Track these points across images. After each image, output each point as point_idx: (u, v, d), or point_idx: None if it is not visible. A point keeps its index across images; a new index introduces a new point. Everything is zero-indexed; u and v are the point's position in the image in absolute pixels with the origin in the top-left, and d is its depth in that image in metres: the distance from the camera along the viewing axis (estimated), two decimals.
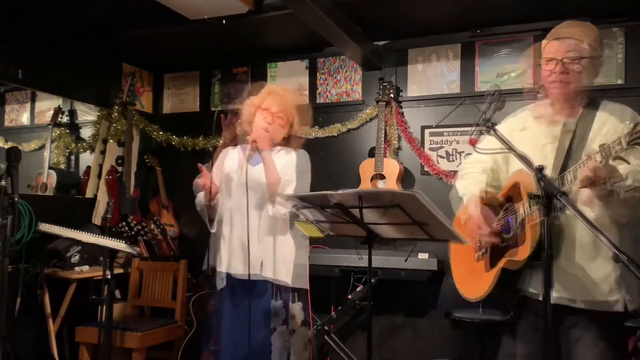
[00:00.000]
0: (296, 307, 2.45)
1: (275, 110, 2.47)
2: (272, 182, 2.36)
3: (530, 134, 2.05)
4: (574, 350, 1.93)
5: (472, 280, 2.17)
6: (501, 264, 1.98)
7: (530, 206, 1.86)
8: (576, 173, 1.74)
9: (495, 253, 2.05)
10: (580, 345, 1.90)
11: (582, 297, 1.87)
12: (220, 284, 2.50)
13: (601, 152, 1.64)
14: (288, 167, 2.46)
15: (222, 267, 2.47)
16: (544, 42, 2.02)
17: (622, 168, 1.72)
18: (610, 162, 1.65)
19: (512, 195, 2.00)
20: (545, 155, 1.96)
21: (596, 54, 1.94)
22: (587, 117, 1.95)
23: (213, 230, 2.53)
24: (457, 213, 2.25)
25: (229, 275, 2.46)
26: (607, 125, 1.92)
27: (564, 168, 1.88)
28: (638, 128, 1.54)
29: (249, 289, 2.43)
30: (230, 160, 2.56)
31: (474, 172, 2.18)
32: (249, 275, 2.35)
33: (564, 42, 1.93)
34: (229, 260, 2.45)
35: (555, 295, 1.87)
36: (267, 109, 2.47)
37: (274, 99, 2.48)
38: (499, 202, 2.09)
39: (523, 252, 1.87)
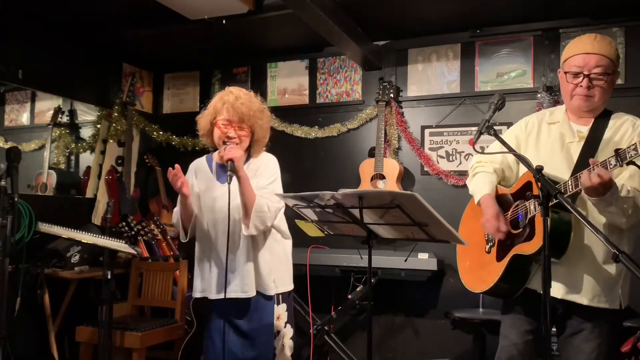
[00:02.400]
0: (280, 309, 2.43)
1: (235, 122, 2.33)
2: (245, 201, 2.25)
3: (545, 136, 2.12)
4: (567, 343, 2.01)
5: (479, 272, 2.21)
6: (511, 254, 2.03)
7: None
8: (577, 181, 1.81)
9: (504, 245, 2.10)
10: (575, 339, 1.98)
11: (586, 295, 1.94)
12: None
13: (616, 157, 1.69)
14: (259, 175, 2.38)
15: (202, 294, 2.41)
16: (567, 52, 2.04)
17: (617, 180, 1.82)
18: (624, 165, 1.71)
19: (523, 193, 2.06)
20: (569, 155, 2.04)
21: (617, 69, 2.01)
22: (599, 126, 2.02)
23: (184, 241, 2.47)
24: (467, 208, 2.34)
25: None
26: (619, 134, 1.99)
27: (574, 173, 1.94)
28: None
29: (234, 306, 2.36)
30: (200, 176, 2.48)
31: (485, 171, 2.23)
32: (225, 295, 2.26)
33: (593, 57, 1.96)
34: (209, 284, 2.39)
35: (560, 292, 1.95)
36: (226, 122, 2.33)
37: (230, 111, 2.32)
38: (509, 200, 2.15)
39: (533, 246, 1.93)
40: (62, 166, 4.38)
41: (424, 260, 3.65)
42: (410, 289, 3.87)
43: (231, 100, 2.33)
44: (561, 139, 2.07)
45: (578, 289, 1.94)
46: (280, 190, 2.41)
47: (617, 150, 1.70)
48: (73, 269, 3.59)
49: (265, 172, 2.40)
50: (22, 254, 3.31)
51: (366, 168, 3.94)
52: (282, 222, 2.50)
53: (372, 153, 4.02)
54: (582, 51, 1.98)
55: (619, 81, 3.52)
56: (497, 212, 2.09)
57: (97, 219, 4.13)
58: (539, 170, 1.67)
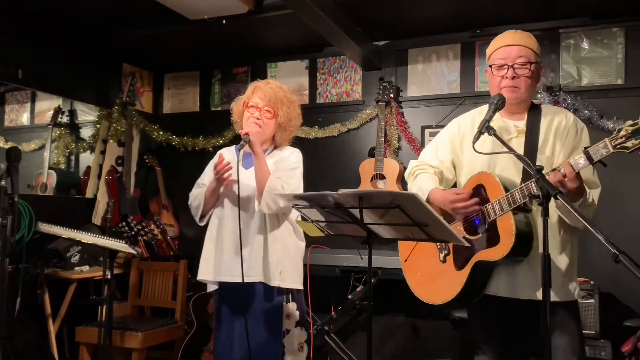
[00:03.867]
0: (290, 307, 2.43)
1: (262, 104, 2.43)
2: (260, 177, 2.32)
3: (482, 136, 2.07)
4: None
5: (436, 283, 2.17)
6: (472, 262, 2.01)
7: (501, 208, 1.91)
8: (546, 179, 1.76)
9: (460, 254, 2.07)
10: (555, 337, 1.95)
11: (555, 291, 1.91)
12: (210, 288, 2.51)
13: (585, 155, 1.69)
14: (280, 164, 2.43)
15: (209, 276, 2.43)
16: (490, 49, 2.11)
17: (587, 187, 1.83)
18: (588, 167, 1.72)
19: (474, 196, 2.02)
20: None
21: (539, 60, 2.07)
22: (533, 119, 2.05)
23: (201, 224, 2.49)
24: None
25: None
26: (555, 123, 2.03)
27: (523, 168, 1.96)
28: (622, 133, 1.59)
29: (242, 292, 2.37)
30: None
31: (425, 172, 2.23)
32: (242, 280, 2.28)
33: (514, 48, 2.02)
34: (220, 266, 2.41)
35: (526, 292, 1.95)
36: (254, 105, 2.45)
37: (259, 93, 2.45)
38: None
39: (500, 252, 1.92)
40: (62, 166, 4.38)
41: None
42: (410, 289, 3.86)
43: (261, 84, 2.49)
44: (500, 136, 2.03)
45: (539, 287, 1.90)
46: (299, 181, 2.45)
47: (585, 149, 1.70)
48: (73, 269, 3.59)
49: (286, 161, 2.44)
50: (22, 254, 3.30)
51: (366, 168, 3.94)
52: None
53: (372, 153, 4.02)
54: (503, 44, 2.05)
55: (619, 81, 3.53)
56: (457, 193, 2.03)
57: (97, 219, 4.13)
58: (539, 171, 1.66)
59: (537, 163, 1.95)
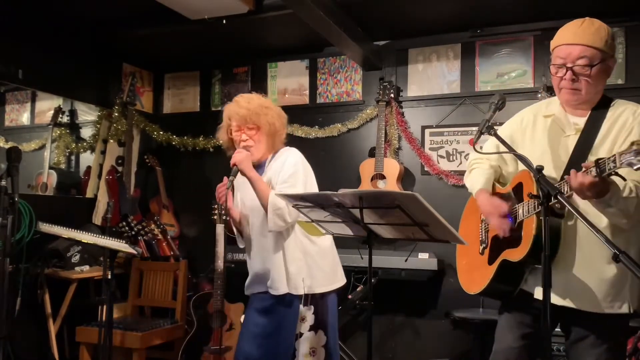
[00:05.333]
0: (305, 311, 2.43)
1: (243, 125, 2.44)
2: (262, 199, 2.36)
3: (541, 130, 2.03)
4: (573, 349, 1.94)
5: (474, 273, 2.18)
6: (499, 260, 2.00)
7: (529, 209, 1.86)
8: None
9: (495, 248, 2.07)
10: (581, 345, 1.90)
11: (588, 301, 1.86)
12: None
13: (596, 168, 1.61)
14: (275, 177, 2.44)
15: (247, 290, 2.59)
16: (553, 42, 1.95)
17: (619, 181, 1.70)
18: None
19: (515, 194, 2.01)
20: (565, 150, 1.95)
21: (608, 56, 1.88)
22: (596, 117, 1.92)
23: (241, 246, 2.62)
24: (466, 206, 2.31)
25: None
26: (618, 125, 1.88)
27: (567, 169, 1.87)
28: (633, 147, 1.49)
29: (262, 302, 2.50)
30: (240, 180, 2.54)
31: (481, 167, 2.19)
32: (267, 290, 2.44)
33: (575, 48, 1.85)
34: (251, 283, 2.56)
35: (558, 299, 1.87)
36: (237, 129, 2.45)
37: (235, 117, 2.45)
38: (503, 199, 2.07)
39: (519, 254, 1.89)
40: (63, 166, 4.38)
41: (424, 260, 3.65)
42: (410, 289, 3.87)
43: (232, 108, 2.48)
44: (557, 133, 1.97)
45: (577, 294, 1.86)
46: (304, 180, 2.45)
47: (597, 161, 1.61)
48: (73, 269, 3.59)
49: (284, 169, 2.44)
50: (22, 254, 3.31)
51: (366, 168, 3.94)
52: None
53: (372, 153, 4.02)
54: (565, 41, 1.88)
55: (619, 81, 3.53)
56: (496, 207, 1.98)
57: (97, 219, 4.13)
58: (539, 170, 1.65)
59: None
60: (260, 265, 2.48)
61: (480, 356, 3.55)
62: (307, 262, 2.43)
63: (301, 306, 2.41)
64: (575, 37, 1.86)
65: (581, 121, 1.94)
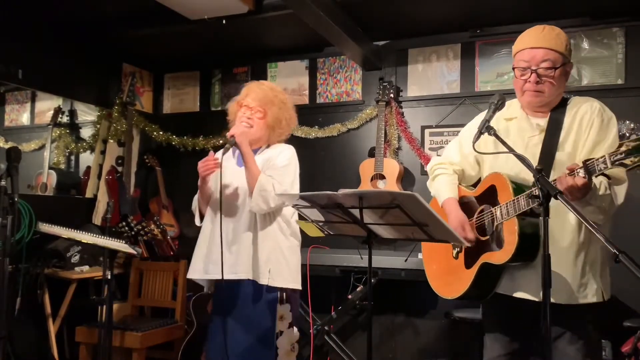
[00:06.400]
0: (284, 309, 2.43)
1: (253, 104, 2.49)
2: (250, 177, 2.34)
3: (504, 133, 2.06)
4: (555, 346, 1.96)
5: (448, 278, 2.19)
6: (478, 263, 2.01)
7: (508, 211, 1.89)
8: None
9: (471, 252, 2.07)
10: (560, 343, 1.94)
11: (564, 293, 1.91)
12: (206, 289, 2.54)
13: (584, 168, 1.66)
14: (270, 162, 2.44)
15: (198, 274, 2.46)
16: (515, 47, 2.02)
17: (596, 180, 1.77)
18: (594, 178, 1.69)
19: (487, 197, 2.02)
20: (532, 151, 2.00)
21: (567, 61, 1.97)
22: (556, 116, 2.00)
23: (199, 224, 2.52)
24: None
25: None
26: (578, 119, 1.96)
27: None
28: (622, 149, 1.55)
29: (231, 291, 2.41)
30: (225, 158, 2.53)
31: (446, 173, 2.22)
32: (222, 277, 2.30)
33: (539, 51, 1.93)
34: (206, 263, 2.43)
35: (536, 294, 1.91)
36: (246, 104, 2.50)
37: (251, 94, 2.50)
38: (473, 203, 2.12)
39: (504, 256, 1.91)
40: (62, 166, 4.38)
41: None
42: (410, 289, 3.86)
43: (254, 85, 2.56)
44: (521, 135, 2.03)
45: (554, 288, 1.85)
46: (294, 177, 2.46)
47: (585, 162, 1.66)
48: (73, 269, 3.59)
49: (278, 158, 2.46)
50: (22, 254, 3.31)
51: (366, 168, 3.94)
52: (294, 221, 2.52)
53: (372, 153, 4.02)
54: (528, 45, 1.96)
55: (619, 81, 3.53)
56: (462, 220, 2.06)
57: (97, 219, 4.13)
58: (539, 171, 1.66)
59: (557, 160, 1.93)
60: (222, 249, 2.33)
61: (480, 356, 3.55)
62: (276, 255, 2.41)
63: (279, 305, 2.42)
64: (538, 41, 1.94)
65: (543, 122, 2.02)
